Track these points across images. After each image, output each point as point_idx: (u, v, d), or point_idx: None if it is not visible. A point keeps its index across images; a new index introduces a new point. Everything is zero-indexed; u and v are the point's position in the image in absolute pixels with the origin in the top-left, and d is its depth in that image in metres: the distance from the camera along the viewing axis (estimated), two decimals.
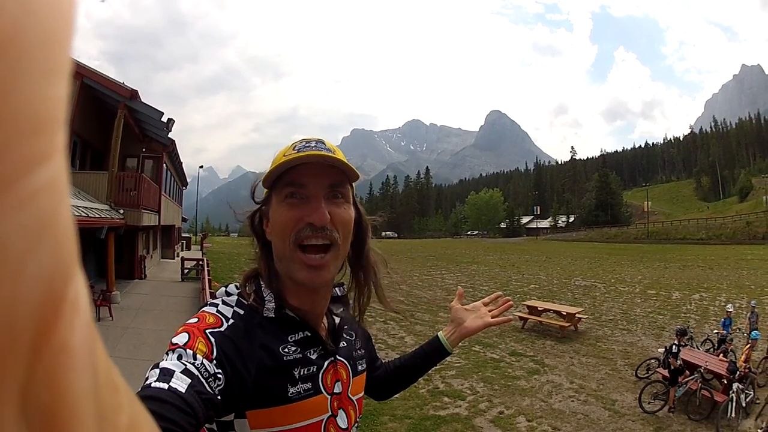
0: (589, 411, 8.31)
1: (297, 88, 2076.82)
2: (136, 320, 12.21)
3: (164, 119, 16.46)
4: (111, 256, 14.39)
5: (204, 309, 1.09)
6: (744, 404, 8.04)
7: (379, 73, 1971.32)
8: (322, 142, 1.13)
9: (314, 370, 1.12)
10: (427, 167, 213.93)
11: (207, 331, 0.99)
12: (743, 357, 8.75)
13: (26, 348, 0.19)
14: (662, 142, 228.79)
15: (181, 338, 0.95)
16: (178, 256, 29.87)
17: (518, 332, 13.86)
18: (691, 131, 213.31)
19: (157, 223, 20.35)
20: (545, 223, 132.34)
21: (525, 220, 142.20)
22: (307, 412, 1.08)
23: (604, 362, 10.94)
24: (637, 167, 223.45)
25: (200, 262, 21.27)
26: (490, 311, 1.67)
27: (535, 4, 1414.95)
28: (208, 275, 15.74)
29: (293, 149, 1.11)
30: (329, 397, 1.14)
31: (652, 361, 10.16)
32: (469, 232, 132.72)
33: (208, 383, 0.90)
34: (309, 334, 1.15)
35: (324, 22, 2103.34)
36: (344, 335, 1.27)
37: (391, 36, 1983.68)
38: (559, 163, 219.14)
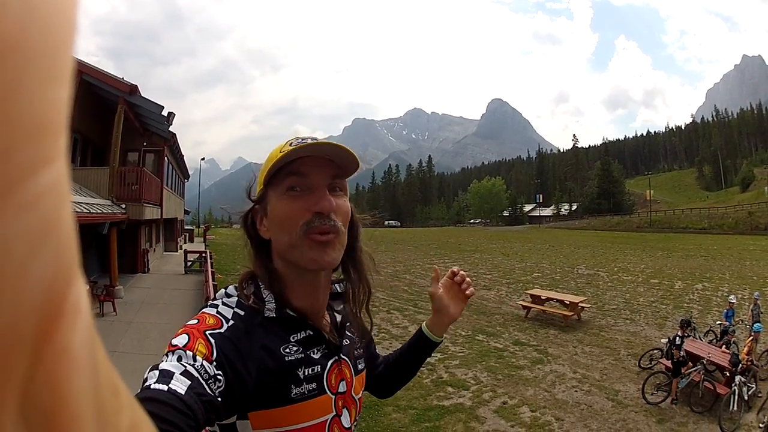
0: (593, 401, 8.35)
1: (296, 79, 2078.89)
2: (139, 314, 12.26)
3: (164, 113, 16.39)
4: (114, 251, 14.42)
5: (204, 310, 1.09)
6: (746, 397, 8.06)
7: (379, 63, 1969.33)
8: (316, 140, 1.13)
9: (318, 369, 1.12)
10: (429, 156, 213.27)
11: (207, 332, 0.99)
12: (746, 349, 8.76)
13: (28, 350, 0.19)
14: (664, 130, 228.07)
15: (181, 340, 0.94)
16: (181, 249, 29.94)
17: (521, 321, 13.89)
18: (693, 120, 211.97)
19: (159, 217, 20.31)
20: (548, 212, 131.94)
21: (527, 208, 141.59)
22: (312, 412, 1.08)
23: (607, 352, 10.98)
24: (639, 156, 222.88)
25: (203, 255, 21.30)
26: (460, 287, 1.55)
27: None
28: (212, 267, 15.76)
29: (289, 145, 1.10)
30: (333, 396, 1.14)
31: (655, 351, 10.20)
32: (471, 221, 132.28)
33: (208, 385, 0.89)
34: (311, 333, 1.14)
35: (322, 12, 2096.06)
36: (347, 333, 1.27)
37: (391, 25, 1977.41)
38: (561, 151, 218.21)
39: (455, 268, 1.58)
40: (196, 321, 1.03)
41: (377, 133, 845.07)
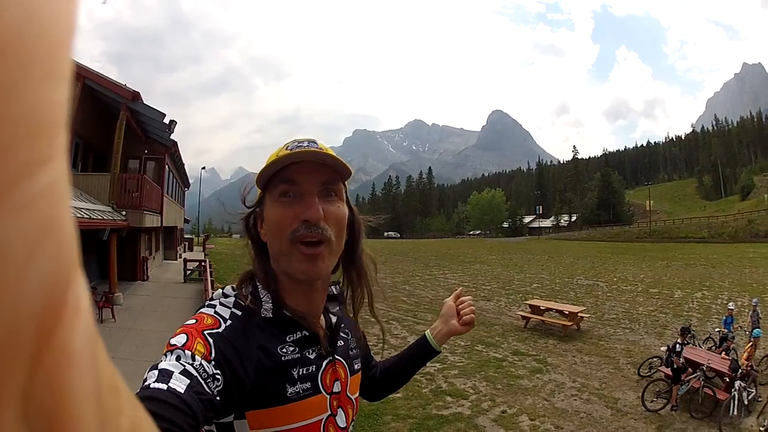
0: (592, 410, 8.33)
1: (299, 88, 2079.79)
2: (138, 321, 12.24)
3: (166, 121, 16.46)
4: (113, 257, 14.44)
5: (201, 310, 1.10)
6: (746, 402, 8.09)
7: (381, 74, 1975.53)
8: (314, 142, 1.14)
9: (313, 369, 1.13)
10: (429, 167, 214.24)
11: (205, 332, 1.00)
12: (745, 355, 8.79)
13: (28, 351, 0.19)
14: (664, 140, 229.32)
15: (180, 339, 0.95)
16: (180, 258, 29.94)
17: (521, 331, 13.88)
18: (693, 130, 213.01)
19: (159, 225, 20.37)
20: (547, 223, 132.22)
21: (527, 219, 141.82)
22: (307, 411, 1.08)
23: (606, 361, 10.97)
24: (639, 166, 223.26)
25: (203, 264, 21.29)
26: (461, 309, 1.63)
27: (536, 3, 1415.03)
28: (211, 276, 15.75)
29: (286, 149, 1.12)
30: (328, 396, 1.14)
31: (655, 359, 10.21)
32: (471, 232, 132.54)
33: (206, 384, 0.90)
34: (307, 334, 1.15)
35: (326, 22, 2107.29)
36: (341, 334, 1.27)
37: (392, 36, 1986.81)
38: (561, 162, 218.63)
39: (460, 290, 1.68)
40: (194, 321, 1.04)
41: (378, 145, 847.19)
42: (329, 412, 1.14)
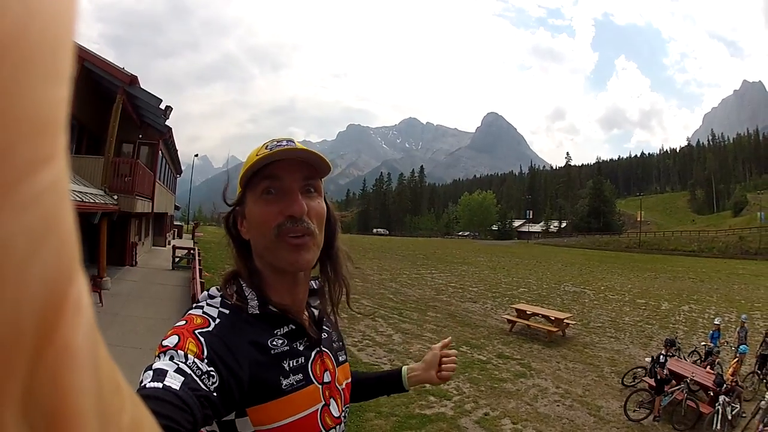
0: (575, 416, 8.41)
1: (295, 80, 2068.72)
2: (126, 307, 12.17)
3: (162, 106, 16.39)
4: (104, 242, 14.33)
5: (190, 312, 1.11)
6: (730, 417, 8.16)
7: (378, 70, 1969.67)
8: (292, 141, 1.17)
9: (303, 361, 1.15)
10: (421, 166, 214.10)
11: (196, 331, 1.01)
12: (731, 370, 8.90)
13: (29, 348, 0.19)
14: (658, 152, 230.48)
15: (171, 340, 0.96)
16: (169, 244, 29.80)
17: (506, 335, 13.92)
18: (689, 143, 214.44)
19: (150, 210, 20.28)
20: (537, 228, 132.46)
21: (517, 223, 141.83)
22: (303, 402, 1.11)
23: (590, 368, 11.06)
24: (632, 176, 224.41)
25: (191, 251, 21.23)
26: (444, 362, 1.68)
27: (537, 8, 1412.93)
28: (199, 265, 15.70)
29: (266, 148, 1.15)
30: (320, 386, 1.17)
31: (639, 369, 10.28)
32: (460, 233, 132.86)
33: (202, 381, 0.91)
34: (294, 327, 1.18)
35: (326, 15, 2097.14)
36: (324, 327, 1.30)
37: (391, 33, 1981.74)
38: (554, 168, 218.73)
39: (449, 339, 1.76)
40: (184, 322, 1.05)
41: (371, 140, 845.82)
42: (323, 402, 1.16)
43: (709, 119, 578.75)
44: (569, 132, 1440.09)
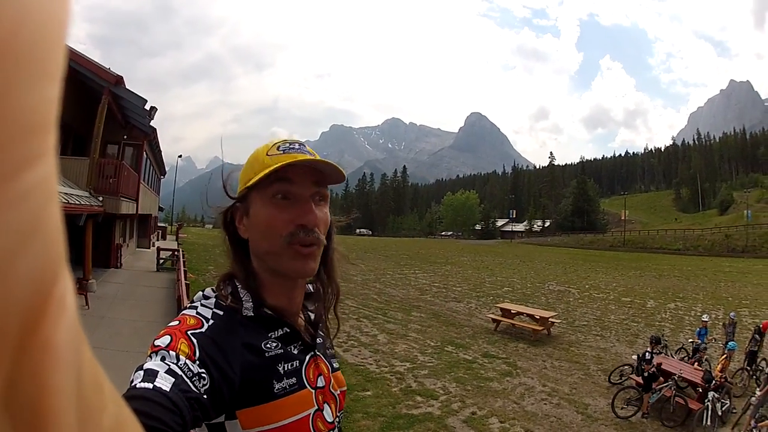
0: (562, 414, 8.51)
1: (279, 80, 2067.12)
2: (111, 310, 12.10)
3: (147, 107, 16.32)
4: (89, 243, 14.23)
5: (184, 312, 1.10)
6: (720, 413, 8.26)
7: (361, 70, 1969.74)
8: (303, 145, 1.18)
9: (297, 364, 1.13)
10: (404, 166, 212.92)
11: (188, 332, 1.00)
12: (719, 367, 8.98)
13: (13, 344, 0.19)
14: (643, 152, 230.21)
15: (164, 340, 0.95)
16: (153, 246, 29.53)
17: (491, 334, 14.02)
18: (674, 143, 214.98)
19: (134, 212, 20.09)
20: (520, 227, 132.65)
21: (500, 223, 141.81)
22: (295, 406, 1.09)
23: (577, 367, 11.18)
24: (616, 176, 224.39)
25: (176, 253, 21.14)
26: None
27: (522, 8, 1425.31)
28: (184, 266, 15.66)
29: (276, 149, 1.14)
30: (313, 391, 1.15)
31: (626, 367, 10.39)
32: (443, 233, 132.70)
33: (192, 382, 0.91)
34: (289, 331, 1.16)
35: (310, 15, 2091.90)
36: (319, 332, 1.29)
37: (375, 34, 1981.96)
38: (537, 167, 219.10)
39: None
40: (177, 322, 1.04)
41: (354, 141, 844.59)
42: (316, 407, 1.14)
43: (695, 119, 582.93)
44: (553, 132, 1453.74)
